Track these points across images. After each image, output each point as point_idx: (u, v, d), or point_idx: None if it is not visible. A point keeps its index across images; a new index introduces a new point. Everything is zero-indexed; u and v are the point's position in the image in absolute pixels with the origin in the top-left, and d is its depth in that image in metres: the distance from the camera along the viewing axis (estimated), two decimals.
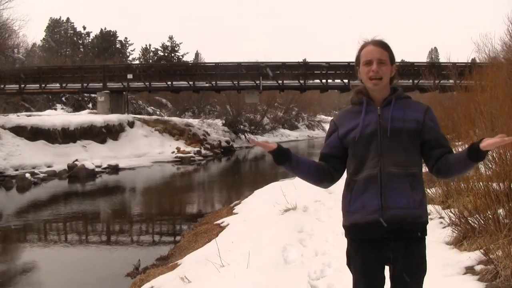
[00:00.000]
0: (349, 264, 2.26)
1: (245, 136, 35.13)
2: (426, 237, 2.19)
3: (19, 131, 19.16)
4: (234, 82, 26.66)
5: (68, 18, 59.35)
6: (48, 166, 17.76)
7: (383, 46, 2.21)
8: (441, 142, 2.18)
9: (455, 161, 2.12)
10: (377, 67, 2.16)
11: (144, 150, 23.31)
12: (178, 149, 24.22)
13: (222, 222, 7.96)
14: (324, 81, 26.86)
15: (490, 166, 4.68)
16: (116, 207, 12.80)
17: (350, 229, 2.21)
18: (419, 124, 2.16)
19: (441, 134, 2.21)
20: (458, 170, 2.18)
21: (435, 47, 73.51)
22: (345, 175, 2.30)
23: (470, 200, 4.80)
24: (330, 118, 2.52)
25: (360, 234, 2.17)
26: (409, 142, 2.15)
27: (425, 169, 2.25)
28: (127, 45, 57.22)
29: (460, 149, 5.62)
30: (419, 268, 2.16)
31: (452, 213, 4.74)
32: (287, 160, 2.21)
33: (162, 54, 48.67)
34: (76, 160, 18.54)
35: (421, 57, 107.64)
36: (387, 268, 2.22)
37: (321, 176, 2.27)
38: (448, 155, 2.15)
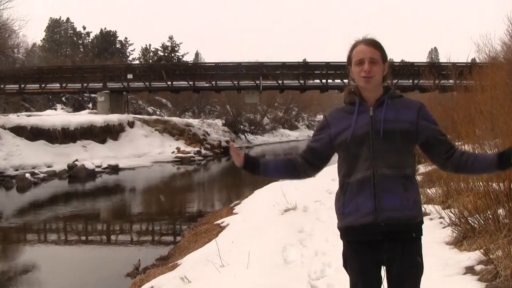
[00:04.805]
0: (345, 265, 2.26)
1: (245, 136, 35.13)
2: (422, 237, 2.18)
3: (19, 131, 19.17)
4: (234, 82, 26.66)
5: (68, 18, 59.34)
6: (48, 166, 17.78)
7: (374, 45, 2.17)
8: (439, 138, 2.16)
9: (479, 164, 2.12)
10: (368, 66, 2.12)
11: (144, 150, 23.32)
12: (178, 149, 24.22)
13: (222, 222, 7.95)
14: (324, 81, 26.89)
15: None
16: (116, 207, 12.81)
17: (345, 232, 2.20)
18: (413, 125, 2.12)
19: (437, 130, 2.18)
20: (480, 172, 2.21)
21: (435, 47, 73.36)
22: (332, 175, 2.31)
23: (470, 200, 4.80)
24: None
25: (355, 236, 2.16)
26: (402, 143, 2.11)
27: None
28: (127, 45, 57.14)
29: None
30: (415, 268, 2.15)
31: (452, 213, 4.74)
32: (256, 170, 2.36)
33: (162, 54, 48.59)
34: (76, 160, 18.55)
35: (421, 57, 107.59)
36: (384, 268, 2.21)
37: (292, 173, 2.36)
38: (469, 154, 2.16)
